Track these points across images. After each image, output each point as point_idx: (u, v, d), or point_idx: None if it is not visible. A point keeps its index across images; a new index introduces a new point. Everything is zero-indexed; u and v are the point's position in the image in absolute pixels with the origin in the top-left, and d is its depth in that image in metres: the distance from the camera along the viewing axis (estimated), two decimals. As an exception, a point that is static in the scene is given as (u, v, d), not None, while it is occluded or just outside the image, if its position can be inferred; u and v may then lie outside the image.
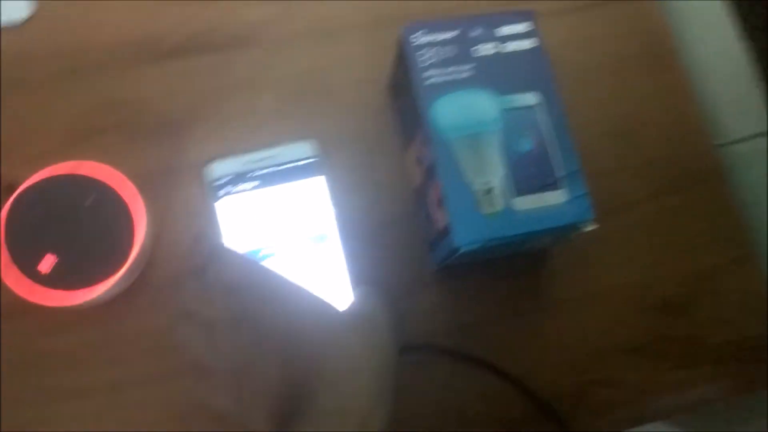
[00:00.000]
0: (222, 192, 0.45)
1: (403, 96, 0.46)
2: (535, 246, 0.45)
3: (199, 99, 0.49)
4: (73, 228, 0.41)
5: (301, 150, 0.47)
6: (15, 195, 0.41)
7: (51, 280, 0.40)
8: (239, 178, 0.45)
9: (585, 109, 0.46)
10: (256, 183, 0.45)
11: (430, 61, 0.41)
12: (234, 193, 0.45)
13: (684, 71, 0.54)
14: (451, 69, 0.41)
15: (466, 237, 0.38)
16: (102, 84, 0.48)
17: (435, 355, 0.46)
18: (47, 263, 0.40)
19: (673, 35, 0.55)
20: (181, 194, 0.47)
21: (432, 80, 0.41)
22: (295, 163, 0.46)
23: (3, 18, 0.47)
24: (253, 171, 0.46)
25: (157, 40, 0.49)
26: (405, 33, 0.42)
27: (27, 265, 0.40)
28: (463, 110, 0.41)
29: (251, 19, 0.51)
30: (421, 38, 0.42)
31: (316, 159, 0.46)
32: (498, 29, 0.43)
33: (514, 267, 0.48)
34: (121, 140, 0.47)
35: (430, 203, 0.43)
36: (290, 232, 0.45)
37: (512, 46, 0.42)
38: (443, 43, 0.42)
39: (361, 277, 0.45)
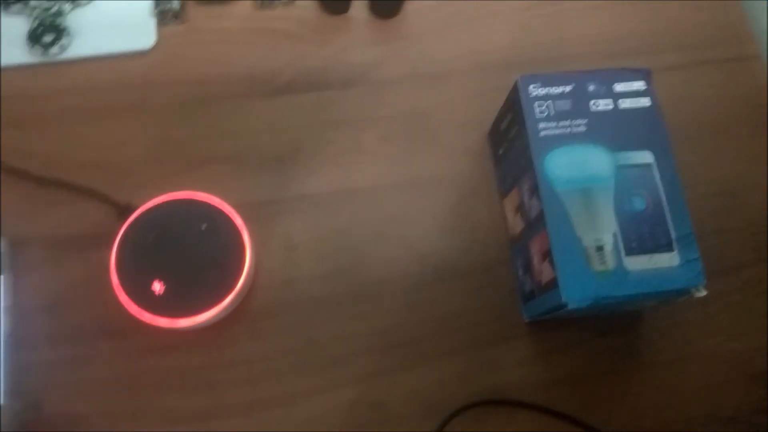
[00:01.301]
0: None
1: (508, 144, 0.46)
2: (637, 306, 0.44)
3: (305, 135, 0.50)
4: (186, 253, 0.42)
5: None
6: (133, 216, 0.43)
7: (160, 303, 0.41)
8: None
9: (690, 168, 0.45)
10: None
11: (544, 113, 0.42)
12: None
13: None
14: (565, 122, 0.41)
15: (575, 294, 0.38)
16: (213, 116, 0.50)
17: (524, 410, 0.45)
18: (158, 286, 0.41)
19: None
20: (281, 226, 0.48)
21: (545, 132, 0.41)
22: None
23: (130, 45, 0.50)
24: None
25: (270, 76, 0.51)
26: (521, 83, 0.42)
27: (138, 287, 0.42)
28: (576, 164, 0.40)
29: (360, 60, 0.52)
30: (536, 90, 0.42)
31: None
32: (613, 86, 0.43)
33: (608, 325, 0.47)
34: (228, 171, 0.49)
35: (532, 255, 0.43)
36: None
37: (627, 103, 0.42)
38: (558, 96, 0.42)
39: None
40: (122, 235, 0.43)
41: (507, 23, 0.55)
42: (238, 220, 0.44)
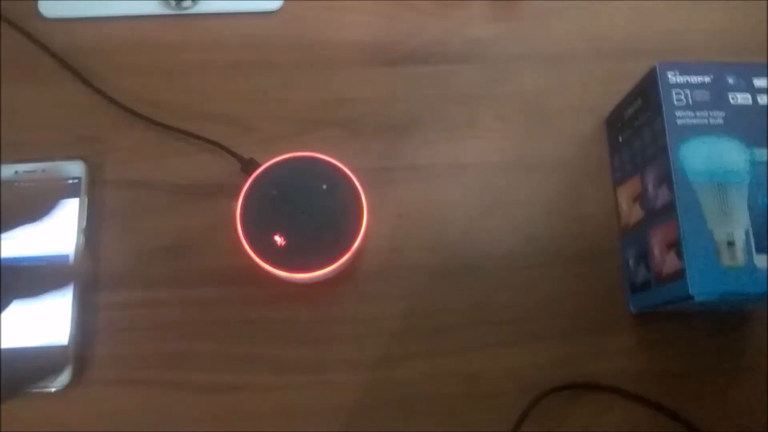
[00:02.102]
0: None
1: (632, 131, 0.45)
2: (755, 306, 0.43)
3: (421, 106, 0.50)
4: (306, 210, 0.43)
5: (69, 169, 0.47)
6: (259, 170, 0.44)
7: (280, 256, 0.42)
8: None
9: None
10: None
11: (681, 102, 0.41)
12: None
13: None
14: (702, 113, 0.41)
15: (703, 287, 0.37)
16: (333, 80, 0.51)
17: (623, 398, 0.45)
18: (279, 239, 0.43)
19: None
20: (392, 193, 0.48)
21: (682, 121, 0.40)
22: (60, 181, 0.46)
23: (258, 5, 0.51)
24: (20, 181, 0.46)
25: (390, 45, 0.51)
26: (660, 70, 0.41)
27: (260, 238, 0.43)
28: (711, 156, 0.40)
29: (480, 36, 0.52)
30: (675, 77, 0.41)
31: (79, 180, 0.46)
32: (752, 80, 0.41)
33: (715, 323, 0.46)
34: (344, 135, 0.49)
35: (652, 245, 0.42)
36: (34, 248, 0.45)
37: (766, 99, 0.41)
38: (696, 85, 0.41)
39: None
40: (248, 188, 0.44)
41: (629, 10, 0.53)
42: (357, 184, 0.44)
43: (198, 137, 0.48)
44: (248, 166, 0.46)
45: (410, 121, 0.50)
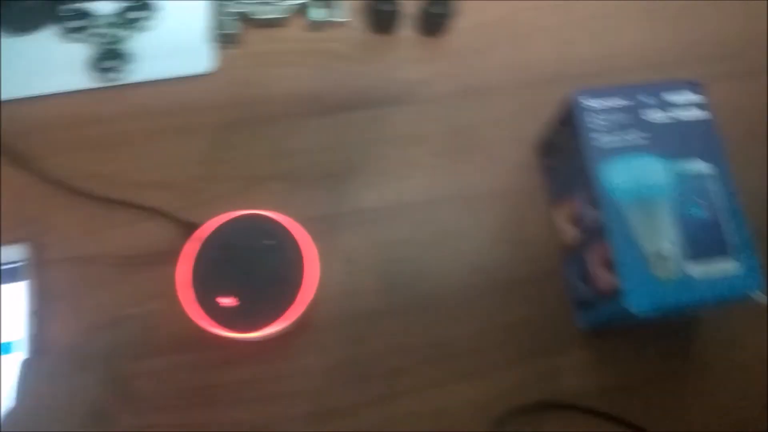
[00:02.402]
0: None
1: (561, 156, 0.47)
2: (697, 312, 0.45)
3: (359, 151, 0.52)
4: (251, 268, 0.43)
5: (12, 252, 0.46)
6: (198, 233, 0.44)
7: (227, 317, 0.42)
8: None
9: (745, 176, 0.46)
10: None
11: (599, 126, 0.43)
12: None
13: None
14: (620, 134, 0.42)
15: (641, 301, 0.39)
16: (270, 135, 0.52)
17: (581, 415, 0.46)
18: (226, 301, 0.43)
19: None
20: (340, 239, 0.49)
21: (602, 144, 0.42)
22: (4, 266, 0.46)
23: (190, 69, 0.52)
24: None
25: (322, 95, 0.53)
26: (576, 97, 0.43)
27: (205, 301, 0.42)
28: (634, 174, 0.41)
29: (409, 77, 0.54)
30: (591, 103, 0.43)
31: (24, 263, 0.46)
32: (666, 97, 0.44)
33: (662, 330, 0.47)
34: (286, 188, 0.50)
35: (590, 264, 0.44)
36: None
37: (681, 114, 0.43)
38: (613, 109, 0.43)
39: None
40: (188, 252, 0.44)
41: (551, 39, 0.56)
42: (303, 235, 0.45)
43: (136, 206, 0.48)
44: (189, 229, 0.46)
45: (350, 167, 0.51)
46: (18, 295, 0.46)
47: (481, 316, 0.47)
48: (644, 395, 0.46)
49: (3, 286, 0.46)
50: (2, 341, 0.44)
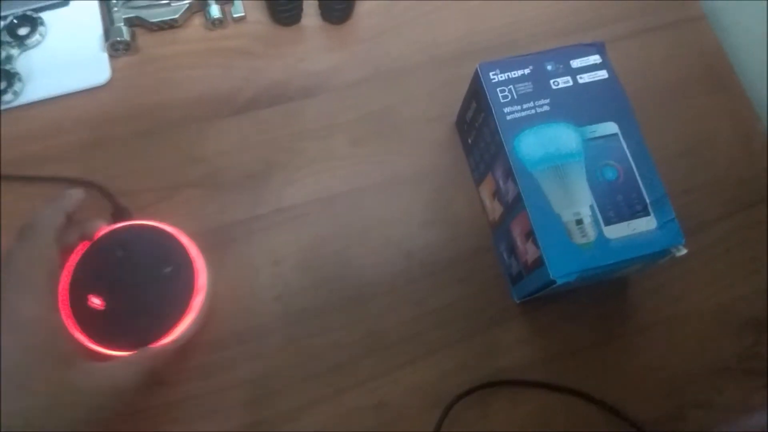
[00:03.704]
0: None
1: (476, 132, 0.47)
2: (623, 273, 0.45)
3: (275, 149, 0.50)
4: (137, 279, 0.42)
5: None
6: (88, 244, 0.42)
7: (100, 327, 0.40)
8: None
9: (655, 133, 0.46)
10: None
11: (507, 98, 0.42)
12: None
13: (741, 88, 0.55)
14: (528, 104, 0.42)
15: (562, 269, 0.38)
16: (180, 141, 0.50)
17: (526, 388, 0.46)
18: (96, 303, 0.41)
19: (728, 54, 0.56)
20: (264, 242, 0.48)
21: (511, 116, 0.42)
22: None
23: (85, 82, 0.49)
24: None
25: (231, 95, 0.51)
26: (481, 71, 0.43)
27: (83, 309, 0.40)
28: (545, 143, 0.41)
29: (319, 68, 0.52)
30: (496, 76, 0.43)
31: None
32: (570, 62, 0.44)
33: (596, 295, 0.48)
34: (203, 194, 0.48)
35: (514, 237, 0.44)
36: None
37: (586, 78, 0.43)
38: (519, 79, 0.43)
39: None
40: (79, 260, 0.41)
41: (458, 13, 0.55)
42: (190, 245, 0.43)
43: (73, 180, 0.46)
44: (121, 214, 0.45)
45: (268, 166, 0.50)
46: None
47: (417, 300, 0.47)
48: (585, 361, 0.46)
49: None
50: None
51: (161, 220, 0.43)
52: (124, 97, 0.50)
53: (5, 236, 0.45)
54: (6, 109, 0.49)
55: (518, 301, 0.47)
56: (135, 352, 0.39)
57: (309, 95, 0.52)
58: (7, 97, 0.49)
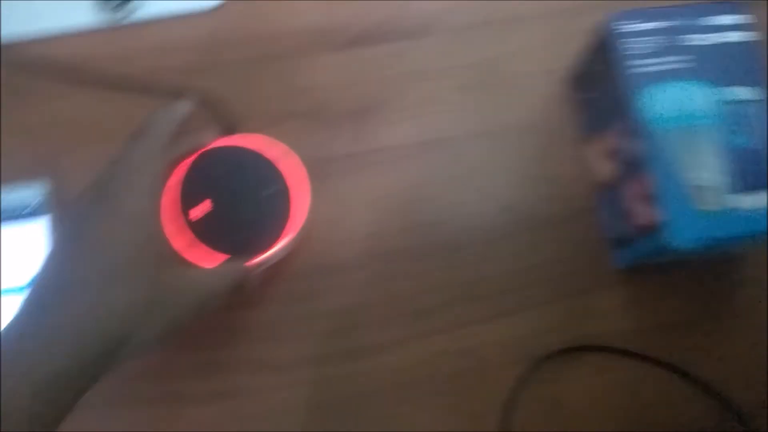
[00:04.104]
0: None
1: (595, 87, 0.45)
2: (740, 248, 0.43)
3: (380, 87, 0.49)
4: (238, 195, 0.42)
5: (31, 191, 0.45)
6: (192, 158, 0.43)
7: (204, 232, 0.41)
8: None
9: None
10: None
11: (636, 51, 0.40)
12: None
13: None
14: (660, 59, 0.40)
15: (684, 234, 0.37)
16: (286, 72, 0.49)
17: (616, 356, 0.44)
18: (198, 212, 0.41)
19: None
20: (362, 180, 0.47)
21: (641, 70, 0.40)
22: (22, 205, 0.45)
23: (195, 6, 0.49)
24: None
25: (340, 29, 0.50)
26: (612, 20, 0.41)
27: (183, 218, 0.41)
28: (676, 102, 0.39)
29: (430, 8, 0.51)
30: (628, 26, 0.40)
31: (43, 202, 0.45)
32: (710, 19, 0.41)
33: (704, 269, 0.46)
34: (305, 126, 0.48)
35: (628, 199, 0.42)
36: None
37: (726, 38, 0.40)
38: (650, 32, 0.40)
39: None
40: (186, 173, 0.42)
41: (580, -37, 0.52)
42: (297, 174, 0.43)
43: (186, 94, 0.45)
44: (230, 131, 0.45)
45: (371, 104, 0.49)
46: (37, 235, 0.44)
47: (511, 256, 0.46)
48: (682, 337, 0.45)
49: (18, 225, 0.45)
50: (16, 284, 0.43)
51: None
52: (233, 23, 0.50)
53: (116, 147, 0.46)
54: (120, 26, 0.49)
55: (619, 267, 0.45)
56: (227, 263, 0.40)
57: (419, 36, 0.50)
58: (121, 13, 0.49)
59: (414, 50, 0.50)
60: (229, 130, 0.46)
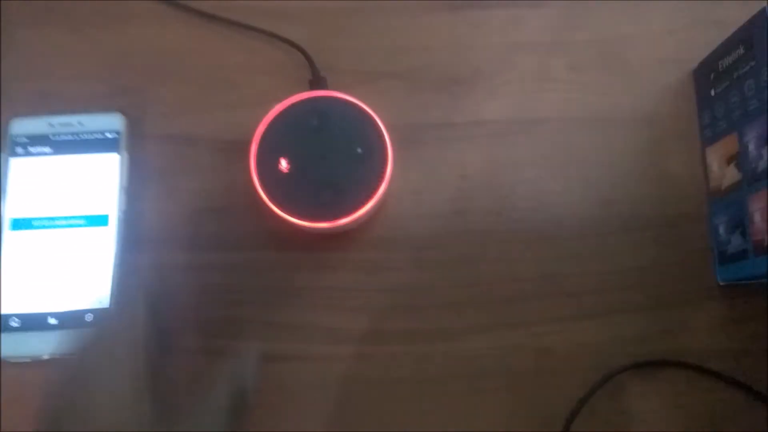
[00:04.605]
0: (19, 150, 0.43)
1: (730, 84, 0.40)
2: None
3: (486, 56, 0.46)
4: (325, 152, 0.40)
5: (107, 122, 0.43)
6: (280, 107, 0.41)
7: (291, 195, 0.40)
8: (39, 139, 0.43)
9: None
10: (52, 148, 0.43)
11: (796, 50, 0.36)
12: (29, 155, 0.43)
13: None
14: (820, 63, 0.35)
15: (820, 260, 0.33)
16: (388, 28, 0.46)
17: (704, 377, 0.41)
18: (282, 167, 0.40)
19: None
20: (454, 152, 0.44)
21: (796, 72, 0.35)
22: (97, 135, 0.43)
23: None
24: (55, 135, 0.43)
25: (454, -13, 0.47)
26: (765, 15, 0.36)
27: (269, 171, 0.40)
28: (832, 113, 0.35)
29: (555, -26, 0.47)
30: (789, 21, 0.36)
31: (118, 134, 0.43)
32: None
33: (811, 298, 0.42)
34: (402, 87, 0.45)
35: (751, 212, 0.38)
36: (71, 207, 0.42)
37: None
38: (813, 31, 0.36)
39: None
40: (264, 132, 0.40)
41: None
42: (385, 132, 0.41)
43: (280, 38, 0.44)
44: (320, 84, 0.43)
45: (474, 72, 0.45)
46: (111, 167, 0.43)
47: (607, 254, 0.43)
48: (779, 365, 0.41)
49: (94, 155, 0.43)
50: (90, 214, 0.42)
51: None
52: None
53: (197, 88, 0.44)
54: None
55: (722, 283, 0.42)
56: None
57: (535, 4, 0.46)
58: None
59: (528, 19, 0.46)
60: (319, 83, 0.43)
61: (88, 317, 0.41)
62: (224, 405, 0.32)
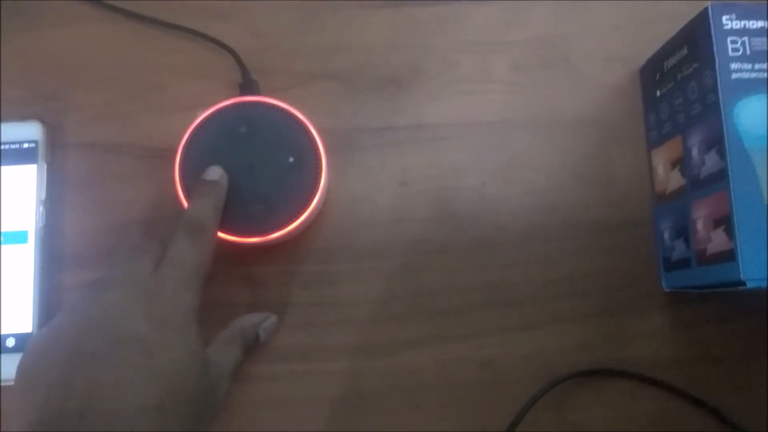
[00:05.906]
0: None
1: (674, 85, 0.39)
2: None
3: (426, 55, 0.44)
4: (255, 161, 0.38)
5: (24, 131, 0.41)
6: (202, 117, 0.39)
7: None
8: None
9: None
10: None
11: (738, 51, 0.34)
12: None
13: None
14: (762, 65, 0.34)
15: (759, 271, 0.32)
16: (326, 26, 0.44)
17: (648, 386, 0.40)
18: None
19: None
20: (395, 157, 0.42)
21: (738, 75, 0.34)
22: (13, 145, 0.41)
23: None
24: None
25: (391, -19, 0.44)
26: (713, 12, 0.35)
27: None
28: (773, 117, 0.34)
29: (495, -30, 0.45)
30: (730, 22, 0.35)
31: (36, 144, 0.41)
32: (824, 23, 0.35)
33: (757, 302, 0.41)
34: (338, 90, 0.43)
35: (694, 219, 0.37)
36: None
37: (842, 47, 0.35)
38: (756, 32, 0.35)
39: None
40: (188, 140, 0.38)
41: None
42: (318, 140, 0.39)
43: (211, 39, 0.42)
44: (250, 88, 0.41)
45: (414, 73, 0.44)
46: (28, 180, 0.40)
47: (550, 262, 0.41)
48: (727, 374, 0.40)
49: (10, 167, 0.40)
50: (6, 230, 0.39)
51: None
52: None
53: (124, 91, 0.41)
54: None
55: (667, 290, 0.41)
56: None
57: (476, 1, 0.44)
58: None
59: (469, 16, 0.44)
60: (249, 88, 0.41)
61: (10, 342, 0.39)
62: (237, 339, 0.37)
